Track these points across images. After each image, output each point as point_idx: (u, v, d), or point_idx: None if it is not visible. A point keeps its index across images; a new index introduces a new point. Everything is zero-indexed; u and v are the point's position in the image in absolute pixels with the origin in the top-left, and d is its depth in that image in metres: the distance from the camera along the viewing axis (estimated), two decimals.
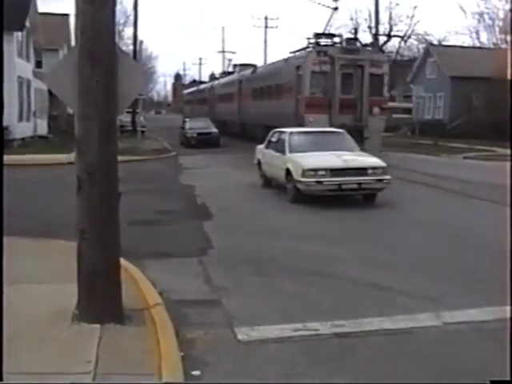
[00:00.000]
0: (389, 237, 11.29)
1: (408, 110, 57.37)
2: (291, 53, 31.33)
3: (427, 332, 6.39)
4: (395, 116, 60.26)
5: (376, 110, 28.38)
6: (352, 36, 31.77)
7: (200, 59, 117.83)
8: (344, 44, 28.96)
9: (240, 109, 41.07)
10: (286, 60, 31.84)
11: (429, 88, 48.97)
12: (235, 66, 46.93)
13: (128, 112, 45.29)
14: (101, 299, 6.07)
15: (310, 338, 6.15)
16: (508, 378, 5.09)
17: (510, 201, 13.04)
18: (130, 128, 43.92)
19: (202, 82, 67.62)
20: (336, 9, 33.33)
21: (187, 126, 37.54)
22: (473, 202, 15.72)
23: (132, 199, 14.74)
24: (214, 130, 36.65)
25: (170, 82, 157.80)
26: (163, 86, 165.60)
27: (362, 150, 17.52)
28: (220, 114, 47.17)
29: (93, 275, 6.06)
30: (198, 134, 35.77)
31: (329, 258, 9.54)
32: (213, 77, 64.72)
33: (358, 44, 30.66)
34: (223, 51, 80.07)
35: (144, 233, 11.49)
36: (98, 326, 5.93)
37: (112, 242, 6.21)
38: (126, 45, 56.19)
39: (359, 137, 23.61)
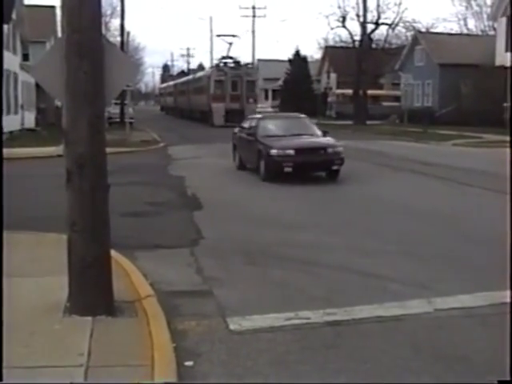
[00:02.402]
0: (377, 224, 11.32)
1: (397, 98, 57.52)
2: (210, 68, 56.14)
3: (419, 319, 6.42)
4: (384, 104, 60.58)
5: (250, 100, 49.59)
6: (237, 59, 51.98)
7: (188, 50, 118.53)
8: (232, 63, 50.72)
9: (187, 100, 62.21)
10: (204, 73, 56.54)
11: (417, 75, 49.12)
12: (223, 57, 53.83)
13: (116, 103, 45.12)
14: (92, 291, 6.06)
15: (302, 327, 6.16)
16: (508, 379, 5.10)
17: (509, 190, 13.07)
18: (118, 120, 43.76)
19: (188, 73, 79.33)
20: (231, 44, 53.52)
21: (263, 131, 18.72)
22: (462, 189, 15.78)
23: (122, 191, 14.72)
24: (330, 141, 18.96)
25: (158, 73, 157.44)
26: (151, 77, 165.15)
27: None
28: (179, 104, 68.96)
29: (84, 267, 6.04)
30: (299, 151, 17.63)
31: (319, 247, 9.55)
32: (184, 72, 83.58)
33: (239, 64, 51.23)
34: (223, 35, 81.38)
35: (134, 224, 11.48)
36: (89, 318, 5.92)
37: (102, 233, 6.19)
38: (114, 36, 55.93)
39: (241, 115, 38.93)
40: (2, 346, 5.06)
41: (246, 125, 20.63)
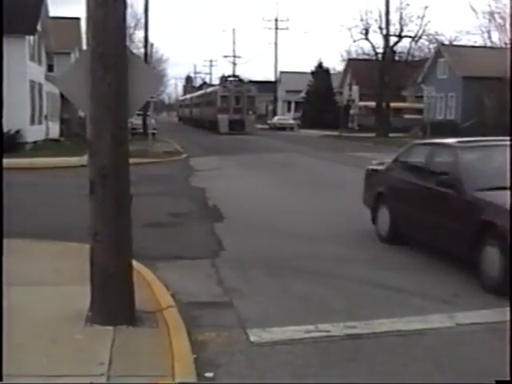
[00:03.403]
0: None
1: (419, 111, 57.31)
2: (217, 85, 66.70)
3: (440, 333, 6.38)
4: (407, 116, 60.34)
5: (250, 112, 58.99)
6: (240, 77, 64.48)
7: (210, 61, 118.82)
8: (237, 81, 61.58)
9: (200, 112, 71.53)
10: (213, 89, 65.65)
11: (440, 88, 48.94)
12: (224, 77, 65.15)
13: (139, 114, 45.43)
14: (113, 301, 6.10)
15: (321, 340, 6.15)
16: (508, 379, 5.09)
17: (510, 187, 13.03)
18: (141, 130, 44.04)
19: (211, 85, 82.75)
20: (235, 64, 71.11)
21: (476, 178, 8.87)
22: None
23: (144, 201, 14.79)
24: None
25: (180, 84, 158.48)
26: (174, 88, 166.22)
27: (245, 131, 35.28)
28: (194, 115, 78.04)
29: (106, 277, 6.09)
30: None
31: (341, 260, 9.53)
32: (206, 84, 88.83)
33: (242, 81, 62.50)
34: (231, 56, 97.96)
35: (156, 235, 11.50)
36: (111, 327, 5.96)
37: (124, 244, 6.24)
38: (137, 48, 56.36)
39: (242, 125, 56.47)
40: (1, 346, 5.09)
41: (410, 158, 11.16)
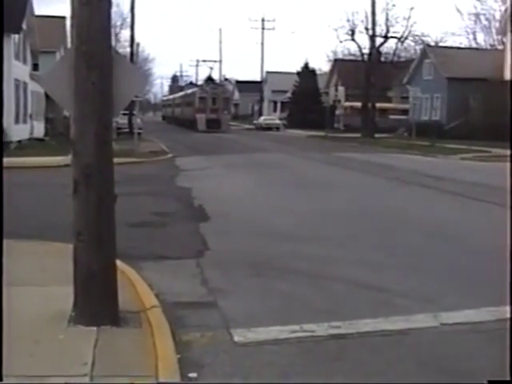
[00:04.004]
0: (384, 238, 11.33)
1: (405, 111, 57.50)
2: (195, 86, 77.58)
3: (424, 333, 6.40)
4: (392, 117, 60.59)
5: (225, 112, 65.05)
6: (215, 79, 76.78)
7: (197, 61, 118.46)
8: (213, 83, 70.00)
9: (181, 111, 77.31)
10: (191, 91, 72.52)
11: (426, 89, 49.10)
12: (209, 78, 74.03)
13: (125, 114, 45.31)
14: (97, 301, 6.07)
15: (306, 340, 6.15)
16: (508, 378, 5.11)
17: (509, 202, 13.09)
18: (127, 130, 43.97)
19: (197, 85, 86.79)
20: (211, 68, 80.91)
21: None
22: (469, 203, 15.75)
23: (128, 201, 14.70)
24: None
25: (166, 84, 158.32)
26: (160, 87, 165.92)
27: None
28: (176, 114, 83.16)
29: (89, 277, 6.06)
30: None
31: (326, 261, 9.54)
32: (193, 84, 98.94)
33: (218, 83, 73.97)
34: (209, 60, 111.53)
35: (140, 235, 11.46)
36: (94, 328, 5.93)
37: (108, 243, 6.21)
38: (123, 47, 56.25)
39: (219, 124, 62.06)
40: (1, 346, 5.07)
41: None
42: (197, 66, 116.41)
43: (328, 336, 6.26)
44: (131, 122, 42.55)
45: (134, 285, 7.65)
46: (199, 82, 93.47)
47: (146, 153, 30.84)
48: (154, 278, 8.25)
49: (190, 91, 74.73)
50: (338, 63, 71.22)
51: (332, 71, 74.70)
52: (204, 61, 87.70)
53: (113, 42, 6.47)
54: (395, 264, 9.34)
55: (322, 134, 54.83)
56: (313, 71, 75.17)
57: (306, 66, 75.11)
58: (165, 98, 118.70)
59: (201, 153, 33.49)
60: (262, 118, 76.01)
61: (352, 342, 6.13)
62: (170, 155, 30.95)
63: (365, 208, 14.83)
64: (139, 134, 37.68)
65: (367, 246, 10.60)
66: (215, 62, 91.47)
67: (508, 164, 21.24)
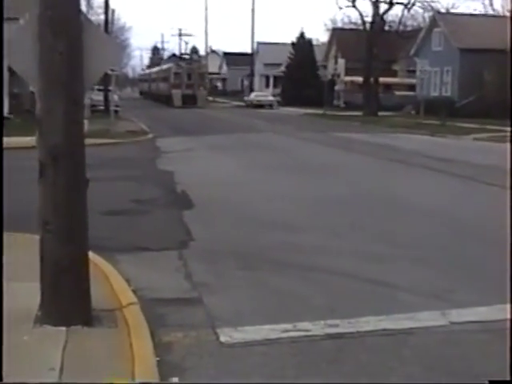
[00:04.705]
0: (387, 227, 11.35)
1: (412, 87, 57.59)
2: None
3: (431, 332, 6.41)
4: (397, 93, 60.68)
5: (201, 88, 71.36)
6: (192, 55, 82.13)
7: (180, 30, 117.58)
8: (188, 59, 78.38)
9: (157, 87, 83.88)
10: (167, 66, 78.21)
11: (435, 62, 49.15)
12: (194, 49, 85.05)
13: (100, 90, 45.07)
14: (67, 299, 6.04)
15: (300, 340, 6.16)
16: (508, 378, 5.16)
17: (510, 186, 13.17)
18: (102, 107, 43.75)
19: (181, 57, 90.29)
20: (187, 43, 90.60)
21: None
22: (482, 188, 15.78)
23: (104, 187, 14.72)
24: None
25: (147, 56, 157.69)
26: (139, 60, 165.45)
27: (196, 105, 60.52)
28: (152, 89, 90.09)
29: (58, 272, 6.02)
30: None
31: (322, 252, 9.56)
32: (176, 56, 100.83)
33: (193, 58, 78.91)
34: (180, 34, 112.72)
35: (117, 224, 11.47)
36: (63, 328, 5.90)
37: (79, 234, 6.17)
38: (96, 14, 55.93)
39: (194, 99, 69.01)
40: (1, 347, 5.12)
41: None
42: (180, 36, 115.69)
43: (324, 335, 6.27)
44: (107, 99, 42.31)
45: (109, 280, 7.63)
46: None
47: (123, 133, 30.77)
48: (132, 271, 8.25)
49: (165, 66, 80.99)
50: (337, 33, 71.19)
51: (330, 42, 74.63)
52: (181, 34, 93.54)
53: (84, 8, 6.41)
54: (399, 255, 9.36)
55: (319, 111, 54.86)
56: (309, 42, 75.02)
57: (301, 36, 74.94)
58: (142, 73, 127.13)
59: (185, 133, 33.42)
60: (253, 94, 75.88)
61: (351, 342, 6.14)
62: (150, 135, 30.93)
63: (366, 194, 14.84)
64: (116, 111, 37.56)
65: (368, 236, 10.62)
66: (190, 35, 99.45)
67: None
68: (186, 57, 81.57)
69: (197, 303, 7.24)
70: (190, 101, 68.49)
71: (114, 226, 11.23)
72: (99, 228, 10.07)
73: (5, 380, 4.78)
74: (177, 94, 69.96)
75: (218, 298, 7.41)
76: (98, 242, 8.60)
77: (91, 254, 7.03)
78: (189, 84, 70.67)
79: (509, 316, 6.69)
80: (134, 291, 7.31)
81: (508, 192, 13.56)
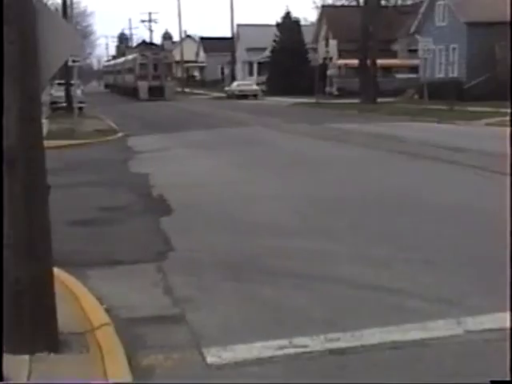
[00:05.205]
0: (390, 226, 11.41)
1: (414, 69, 57.72)
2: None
3: (446, 343, 6.42)
4: (398, 76, 60.88)
5: (168, 78, 75.07)
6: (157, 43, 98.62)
7: (150, 15, 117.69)
8: (154, 48, 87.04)
9: (122, 79, 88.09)
10: (132, 57, 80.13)
11: (439, 39, 49.22)
12: (139, 44, 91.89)
13: (60, 84, 44.96)
14: (29, 322, 6.01)
15: (297, 357, 6.16)
16: (508, 379, 5.27)
17: (510, 177, 13.27)
18: (64, 104, 43.65)
19: (152, 44, 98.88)
20: (152, 31, 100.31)
21: None
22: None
23: (69, 193, 14.72)
24: None
25: (113, 44, 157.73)
26: (105, 49, 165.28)
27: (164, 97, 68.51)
28: (118, 82, 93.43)
29: (17, 292, 5.98)
30: None
31: (319, 257, 9.58)
32: (146, 43, 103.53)
33: (159, 48, 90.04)
34: (150, 19, 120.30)
35: (85, 235, 11.47)
36: (26, 356, 5.87)
37: (41, 247, 6.14)
38: None
39: (162, 91, 72.68)
40: (2, 346, 5.20)
41: None
42: (149, 20, 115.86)
43: (325, 351, 6.27)
44: (69, 94, 42.17)
45: (79, 298, 7.63)
46: (155, 41, 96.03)
47: (90, 132, 30.82)
48: (104, 288, 8.25)
49: (130, 57, 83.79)
50: (327, 10, 71.19)
51: (320, 21, 74.77)
52: (142, 21, 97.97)
53: None
54: (405, 258, 9.38)
55: (310, 101, 54.95)
56: (296, 22, 75.26)
57: (287, 16, 75.11)
58: (106, 64, 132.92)
59: (159, 130, 33.42)
60: (235, 83, 76.01)
61: (355, 357, 6.14)
62: (120, 134, 30.96)
63: (366, 191, 14.86)
64: (80, 108, 37.48)
65: (369, 238, 10.64)
66: (155, 22, 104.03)
67: None
68: (156, 45, 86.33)
69: (179, 321, 7.23)
70: (157, 93, 71.89)
71: (81, 237, 11.23)
72: (65, 241, 10.08)
73: (5, 380, 4.88)
74: (143, 86, 73.50)
75: (203, 313, 7.41)
76: (64, 257, 8.57)
77: (56, 270, 7.01)
78: (155, 75, 74.22)
79: None
80: (107, 310, 7.31)
81: None
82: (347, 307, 7.48)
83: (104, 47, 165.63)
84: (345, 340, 6.49)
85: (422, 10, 55.00)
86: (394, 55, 66.05)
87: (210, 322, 7.15)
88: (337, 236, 10.85)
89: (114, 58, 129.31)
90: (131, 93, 76.70)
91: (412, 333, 6.64)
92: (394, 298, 7.68)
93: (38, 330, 6.04)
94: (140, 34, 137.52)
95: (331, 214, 12.58)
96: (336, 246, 10.20)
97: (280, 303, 7.66)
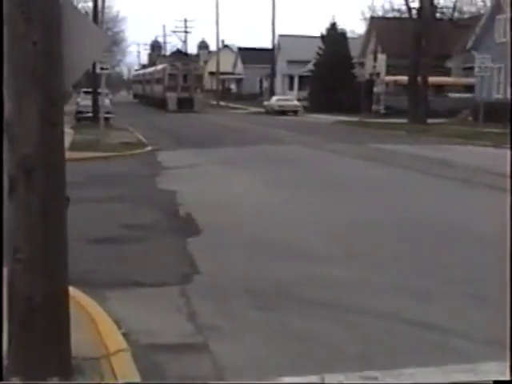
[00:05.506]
0: (438, 257, 11.34)
1: (469, 88, 57.42)
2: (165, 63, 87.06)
3: None
4: (452, 96, 60.53)
5: (198, 90, 78.98)
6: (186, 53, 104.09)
7: (185, 22, 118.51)
8: (184, 58, 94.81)
9: (151, 89, 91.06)
10: (161, 67, 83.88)
11: (498, 56, 48.81)
12: (172, 53, 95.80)
13: (87, 92, 45.34)
14: (40, 344, 6.00)
15: None
16: (508, 378, 5.40)
17: (510, 193, 13.50)
18: (90, 114, 43.99)
19: (186, 54, 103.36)
20: (184, 42, 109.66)
21: None
22: None
23: (91, 209, 14.83)
24: None
25: (145, 52, 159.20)
26: (136, 57, 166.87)
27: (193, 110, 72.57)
28: (146, 92, 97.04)
29: (29, 311, 5.98)
30: None
31: (357, 288, 9.56)
32: (181, 52, 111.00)
33: (193, 58, 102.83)
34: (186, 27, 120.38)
35: (106, 254, 11.50)
36: (36, 382, 5.86)
37: (57, 264, 6.14)
38: (84, 1, 56.49)
39: (191, 103, 76.39)
40: (1, 347, 5.28)
41: None
42: (185, 28, 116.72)
43: None
44: (96, 104, 42.54)
45: (95, 321, 7.65)
46: (189, 51, 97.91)
47: (116, 145, 31.00)
48: (123, 311, 8.28)
49: (160, 67, 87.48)
50: (376, 22, 71.34)
51: (369, 34, 74.90)
52: (174, 31, 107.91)
53: None
54: (451, 292, 9.31)
55: (354, 119, 54.92)
56: (342, 34, 75.22)
57: (332, 28, 75.15)
58: (135, 73, 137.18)
59: (190, 144, 33.60)
60: (275, 98, 76.18)
61: None
62: (148, 148, 31.09)
63: (410, 218, 14.79)
64: (107, 119, 37.71)
65: (413, 269, 10.59)
66: (188, 32, 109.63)
67: None
68: (190, 54, 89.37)
69: (202, 350, 7.23)
70: (186, 105, 74.97)
71: (102, 256, 11.25)
72: (84, 259, 10.15)
73: (5, 380, 4.96)
74: (172, 97, 76.65)
75: (228, 343, 7.40)
76: (81, 276, 8.62)
77: (72, 290, 7.03)
78: (185, 87, 77.61)
79: None
80: (125, 335, 7.32)
81: None
82: (385, 343, 7.42)
83: (135, 55, 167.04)
84: (382, 379, 6.45)
85: (481, 24, 54.70)
86: (447, 73, 65.86)
87: (234, 352, 7.14)
88: (377, 265, 10.81)
89: (144, 66, 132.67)
90: (159, 104, 79.44)
91: (457, 375, 6.57)
92: (437, 336, 7.61)
93: (50, 353, 6.03)
94: (175, 42, 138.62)
95: (371, 241, 12.51)
96: (375, 275, 10.17)
97: (311, 335, 7.64)
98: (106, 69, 32.30)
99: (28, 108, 5.90)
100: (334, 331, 7.78)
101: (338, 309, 8.58)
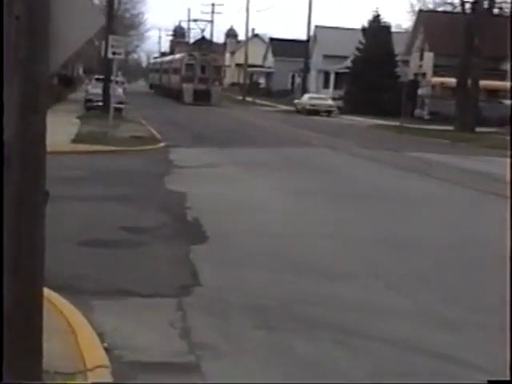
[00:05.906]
0: (469, 283, 11.32)
1: None
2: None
3: None
4: (506, 102, 60.10)
5: (216, 82, 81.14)
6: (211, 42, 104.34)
7: (213, 6, 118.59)
8: (203, 48, 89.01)
9: (168, 80, 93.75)
10: (179, 56, 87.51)
11: None
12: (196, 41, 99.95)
13: (98, 79, 45.44)
14: (8, 355, 5.97)
15: None
16: (508, 378, 5.47)
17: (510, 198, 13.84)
18: (100, 104, 44.07)
19: (211, 42, 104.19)
20: (203, 30, 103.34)
21: None
22: None
23: (90, 208, 14.87)
24: None
25: (167, 38, 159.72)
26: (157, 44, 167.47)
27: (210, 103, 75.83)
28: (163, 82, 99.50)
29: (3, 316, 5.97)
30: None
31: (370, 310, 9.53)
32: (205, 39, 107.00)
33: (210, 49, 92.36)
34: (213, 11, 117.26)
35: (99, 258, 11.50)
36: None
37: (31, 266, 6.11)
38: None
39: (208, 96, 78.32)
40: (2, 347, 5.34)
41: None
42: (212, 12, 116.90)
43: None
44: (107, 93, 42.64)
45: (75, 331, 7.63)
46: (215, 39, 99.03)
47: (126, 138, 31.01)
48: (109, 323, 8.28)
49: (177, 56, 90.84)
50: (425, 16, 70.84)
51: (416, 28, 74.52)
52: (195, 20, 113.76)
53: None
54: (479, 323, 9.27)
55: (394, 123, 54.68)
56: (387, 28, 75.07)
57: (375, 20, 75.07)
58: (152, 61, 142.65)
59: (208, 142, 33.61)
60: (307, 96, 75.90)
61: None
62: (161, 144, 31.09)
63: (443, 237, 14.76)
64: (119, 109, 37.77)
65: (439, 294, 10.55)
66: (208, 21, 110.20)
67: None
68: (213, 43, 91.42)
69: (192, 370, 7.23)
70: (202, 97, 76.96)
71: (94, 260, 11.25)
72: (72, 262, 10.16)
73: (5, 380, 5.09)
74: (188, 88, 78.71)
75: (222, 364, 7.41)
76: (66, 281, 8.64)
77: (54, 296, 7.02)
78: (202, 78, 79.60)
79: None
80: (107, 350, 7.31)
81: None
82: (398, 373, 7.41)
83: (156, 41, 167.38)
84: None
85: None
86: (502, 76, 65.41)
87: (229, 375, 7.14)
88: (399, 287, 10.78)
89: (163, 54, 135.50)
90: (175, 95, 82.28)
91: None
92: (458, 370, 7.58)
93: (19, 365, 5.99)
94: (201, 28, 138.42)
95: (396, 260, 12.48)
96: (396, 298, 10.14)
97: (315, 360, 7.64)
98: (120, 54, 32.16)
99: (7, 91, 5.89)
100: (340, 356, 7.78)
101: (347, 332, 8.56)
